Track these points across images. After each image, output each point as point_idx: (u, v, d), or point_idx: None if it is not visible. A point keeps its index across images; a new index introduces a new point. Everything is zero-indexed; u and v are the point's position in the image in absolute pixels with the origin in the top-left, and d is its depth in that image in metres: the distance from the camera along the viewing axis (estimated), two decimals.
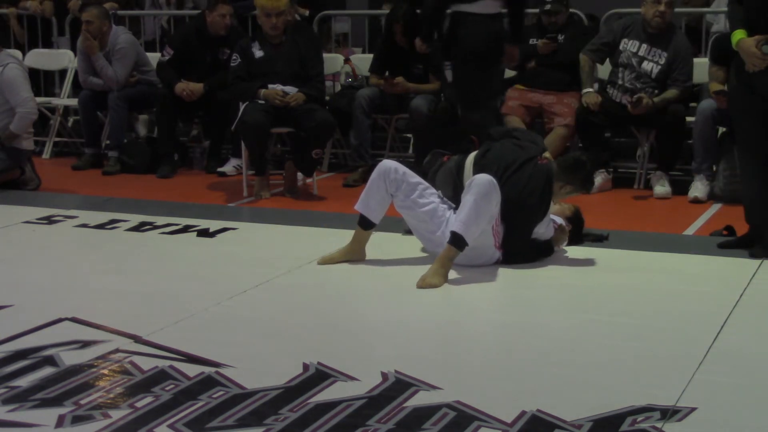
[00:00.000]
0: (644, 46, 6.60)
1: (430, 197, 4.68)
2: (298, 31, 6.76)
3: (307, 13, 8.03)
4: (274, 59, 6.56)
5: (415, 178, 4.68)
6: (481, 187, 4.39)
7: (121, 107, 7.61)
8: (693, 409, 2.97)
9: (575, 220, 5.01)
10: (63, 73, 8.77)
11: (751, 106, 4.74)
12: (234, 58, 6.65)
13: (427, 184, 4.72)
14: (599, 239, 5.06)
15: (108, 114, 7.76)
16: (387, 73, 7.20)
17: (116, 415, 2.95)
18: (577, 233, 5.01)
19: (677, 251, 5.00)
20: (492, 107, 6.55)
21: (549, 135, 6.84)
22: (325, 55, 7.22)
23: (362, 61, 7.85)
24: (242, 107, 6.48)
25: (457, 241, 4.38)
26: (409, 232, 4.96)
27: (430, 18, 6.30)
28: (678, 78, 6.57)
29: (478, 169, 4.73)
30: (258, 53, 6.59)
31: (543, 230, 4.70)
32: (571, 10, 7.24)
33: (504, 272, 4.59)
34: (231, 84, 6.67)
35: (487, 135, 5.06)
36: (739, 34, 4.63)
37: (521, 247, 4.66)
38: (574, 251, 4.91)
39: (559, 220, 4.86)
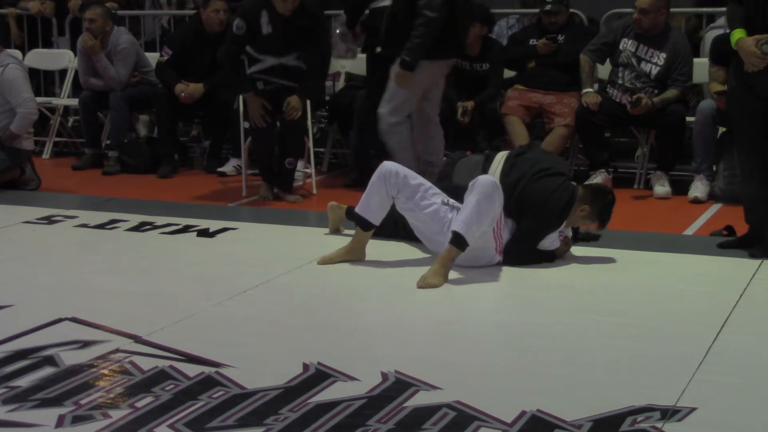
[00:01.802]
0: (641, 46, 6.60)
1: (432, 198, 4.67)
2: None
3: None
4: (282, 36, 6.29)
5: (417, 179, 4.67)
6: (484, 187, 4.39)
7: (122, 107, 7.61)
8: (693, 409, 2.97)
9: None
10: (63, 73, 8.75)
11: (750, 106, 4.73)
12: (240, 26, 6.25)
13: (429, 184, 4.71)
14: (588, 238, 5.07)
15: (109, 114, 7.76)
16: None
17: (116, 415, 2.95)
18: (573, 232, 5.01)
19: (677, 251, 5.00)
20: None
21: (549, 135, 6.84)
22: None
23: (363, 61, 7.82)
24: (240, 100, 6.59)
25: (458, 240, 4.37)
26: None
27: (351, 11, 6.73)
28: (678, 78, 6.57)
29: (509, 165, 4.77)
30: (266, 28, 6.27)
31: (548, 243, 4.71)
32: (571, 10, 7.24)
33: (504, 272, 4.59)
34: (229, 56, 6.37)
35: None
36: (738, 34, 4.63)
37: (524, 254, 4.66)
38: (573, 251, 4.91)
39: (566, 230, 4.86)
